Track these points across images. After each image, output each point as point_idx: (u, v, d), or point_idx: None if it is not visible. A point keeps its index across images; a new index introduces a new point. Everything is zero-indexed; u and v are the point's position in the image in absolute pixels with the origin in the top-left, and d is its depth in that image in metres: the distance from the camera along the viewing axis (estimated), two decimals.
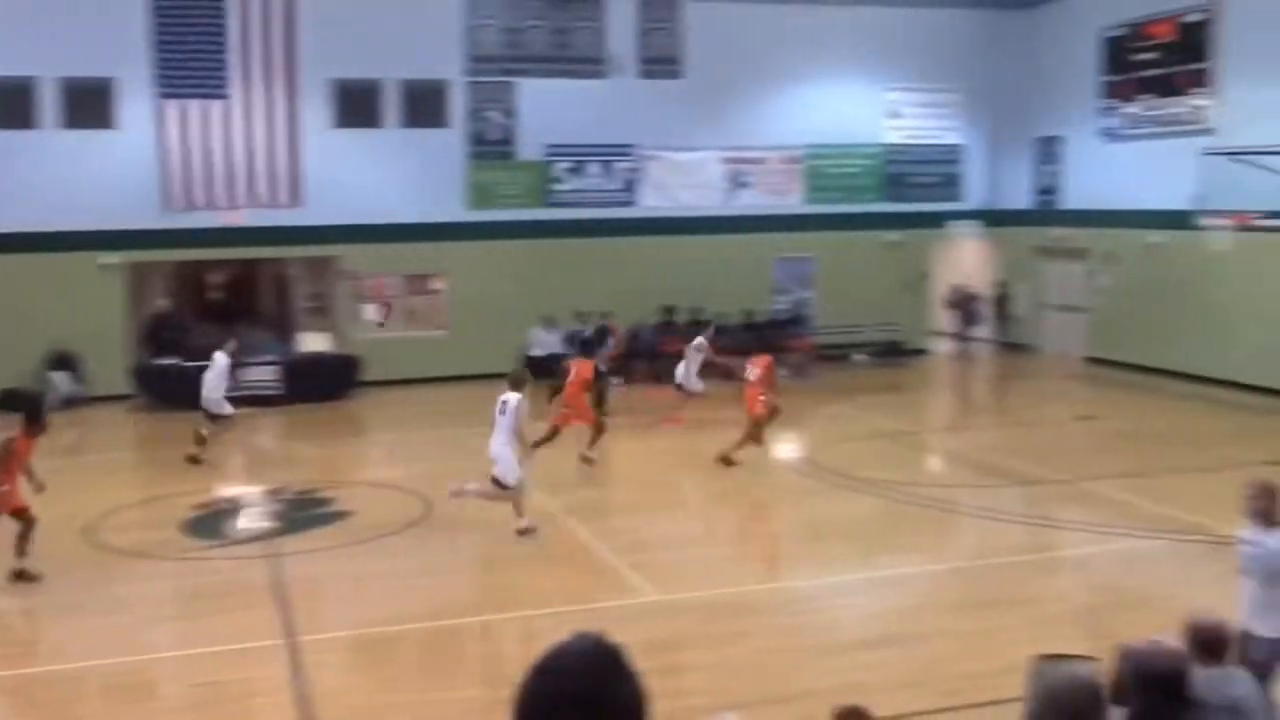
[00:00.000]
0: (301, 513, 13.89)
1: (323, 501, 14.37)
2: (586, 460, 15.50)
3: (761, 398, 15.36)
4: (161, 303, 23.56)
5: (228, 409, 16.58)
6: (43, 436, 11.89)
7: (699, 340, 18.34)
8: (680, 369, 18.32)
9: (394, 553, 12.20)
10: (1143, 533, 12.57)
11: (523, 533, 12.32)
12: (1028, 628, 9.77)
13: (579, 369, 15.99)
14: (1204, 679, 4.33)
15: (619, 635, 8.49)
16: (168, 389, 20.19)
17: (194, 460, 16.09)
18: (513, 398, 12.47)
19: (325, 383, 21.39)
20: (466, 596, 11.36)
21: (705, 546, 12.87)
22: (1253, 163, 17.03)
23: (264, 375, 20.91)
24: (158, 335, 22.26)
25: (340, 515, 13.69)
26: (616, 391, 19.94)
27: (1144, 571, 11.46)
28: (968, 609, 10.40)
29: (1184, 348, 21.71)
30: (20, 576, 11.22)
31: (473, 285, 23.16)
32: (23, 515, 11.27)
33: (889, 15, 24.93)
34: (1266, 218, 18.03)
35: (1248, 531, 7.05)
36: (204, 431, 16.31)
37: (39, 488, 11.47)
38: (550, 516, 13.35)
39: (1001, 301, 26.65)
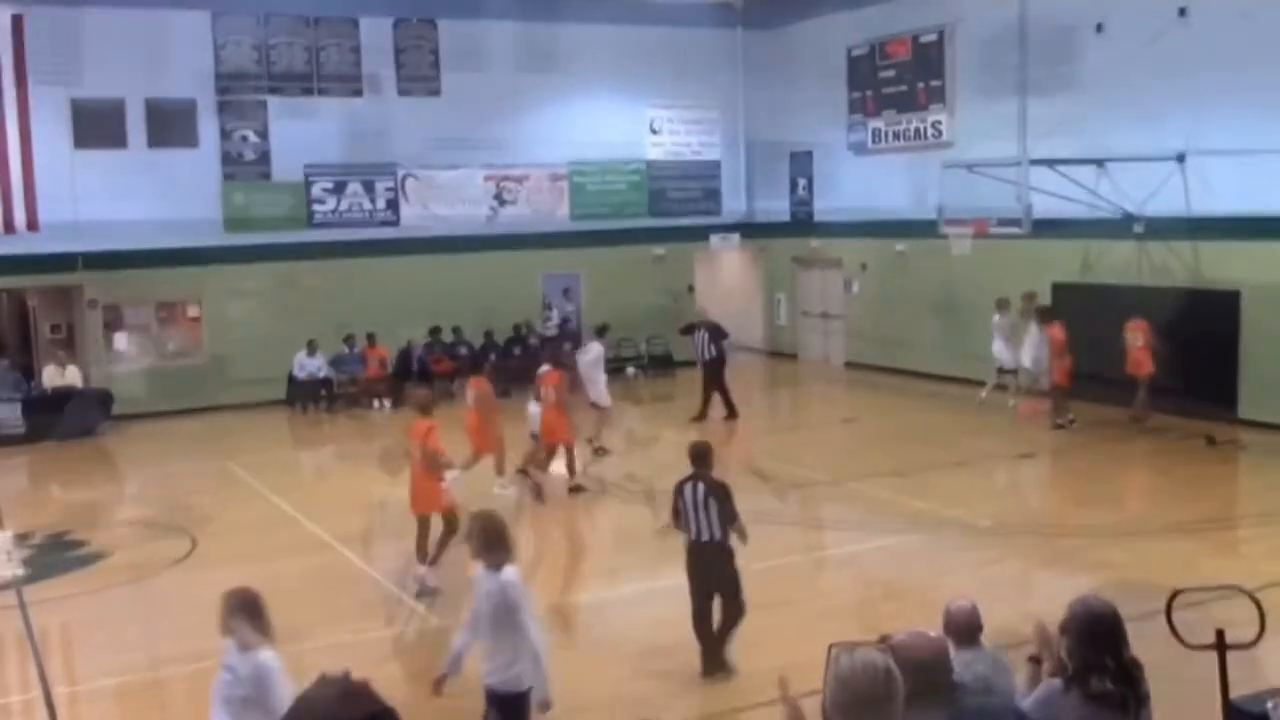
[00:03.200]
0: (52, 557, 13.04)
1: (76, 544, 13.52)
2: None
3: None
4: None
5: None
6: None
7: (596, 347, 17.89)
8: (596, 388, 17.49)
9: (155, 594, 11.60)
10: (905, 527, 13.12)
11: None
12: (804, 625, 10.05)
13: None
14: (960, 661, 4.60)
15: (400, 663, 8.32)
16: None
17: None
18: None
19: (73, 419, 20.15)
20: None
21: None
22: (985, 173, 18.06)
23: (4, 413, 19.63)
24: None
25: (96, 557, 12.91)
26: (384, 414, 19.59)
27: (908, 564, 11.96)
28: (748, 610, 10.62)
29: (932, 350, 22.85)
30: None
31: (232, 311, 22.32)
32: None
33: (646, 34, 25.37)
34: (1000, 225, 19.13)
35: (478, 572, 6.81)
36: None
37: None
38: (323, 544, 12.97)
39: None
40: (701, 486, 8.89)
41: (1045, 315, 18.53)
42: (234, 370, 22.09)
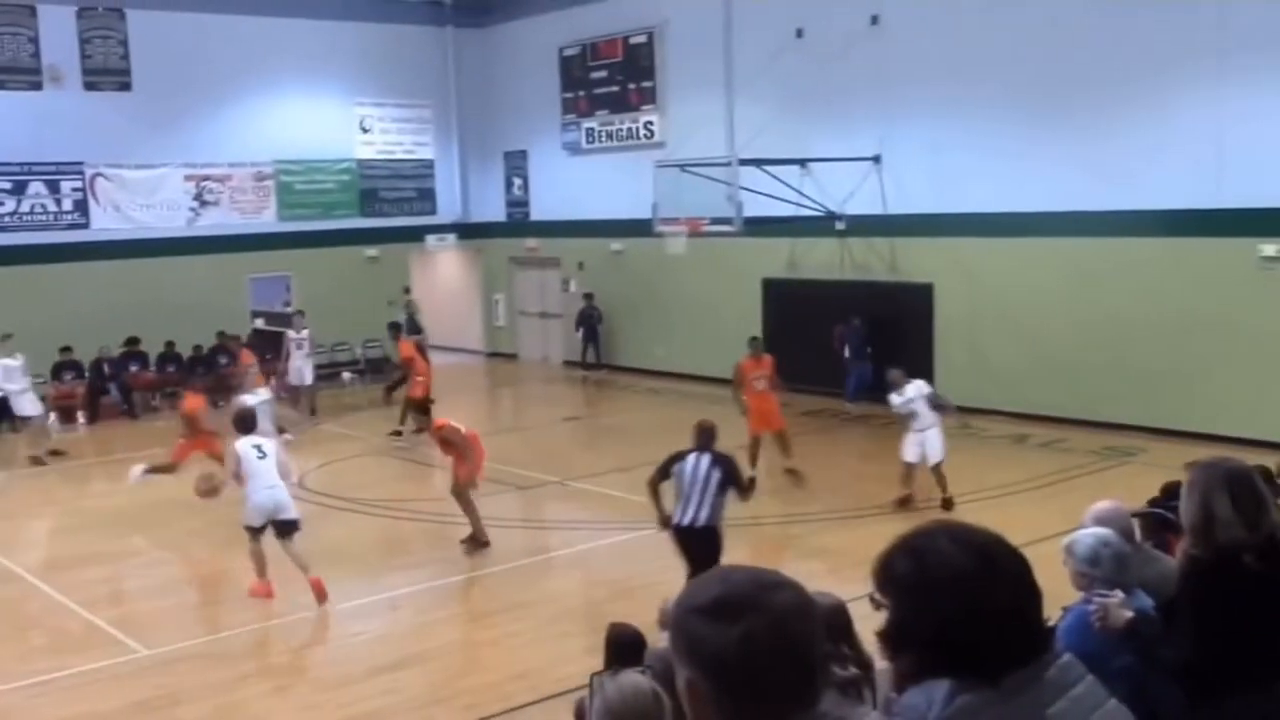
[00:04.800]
0: None
1: None
2: None
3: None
4: None
5: None
6: None
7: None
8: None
9: None
10: (631, 524, 13.21)
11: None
12: (535, 630, 9.97)
13: None
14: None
15: (109, 698, 7.68)
16: None
17: None
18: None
19: None
20: None
21: (192, 590, 12.02)
22: (697, 173, 18.48)
23: None
24: None
25: None
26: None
27: (634, 561, 12.03)
28: (478, 619, 10.45)
29: (651, 346, 23.26)
30: None
31: None
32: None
33: (354, 29, 24.67)
34: (713, 224, 19.62)
35: None
36: None
37: None
38: (9, 576, 11.93)
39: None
40: (705, 462, 9.50)
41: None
42: None
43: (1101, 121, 16.37)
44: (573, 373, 24.64)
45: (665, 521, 9.64)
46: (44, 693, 8.96)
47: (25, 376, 17.99)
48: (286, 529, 10.62)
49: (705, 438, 9.80)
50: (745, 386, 14.66)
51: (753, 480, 13.87)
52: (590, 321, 24.34)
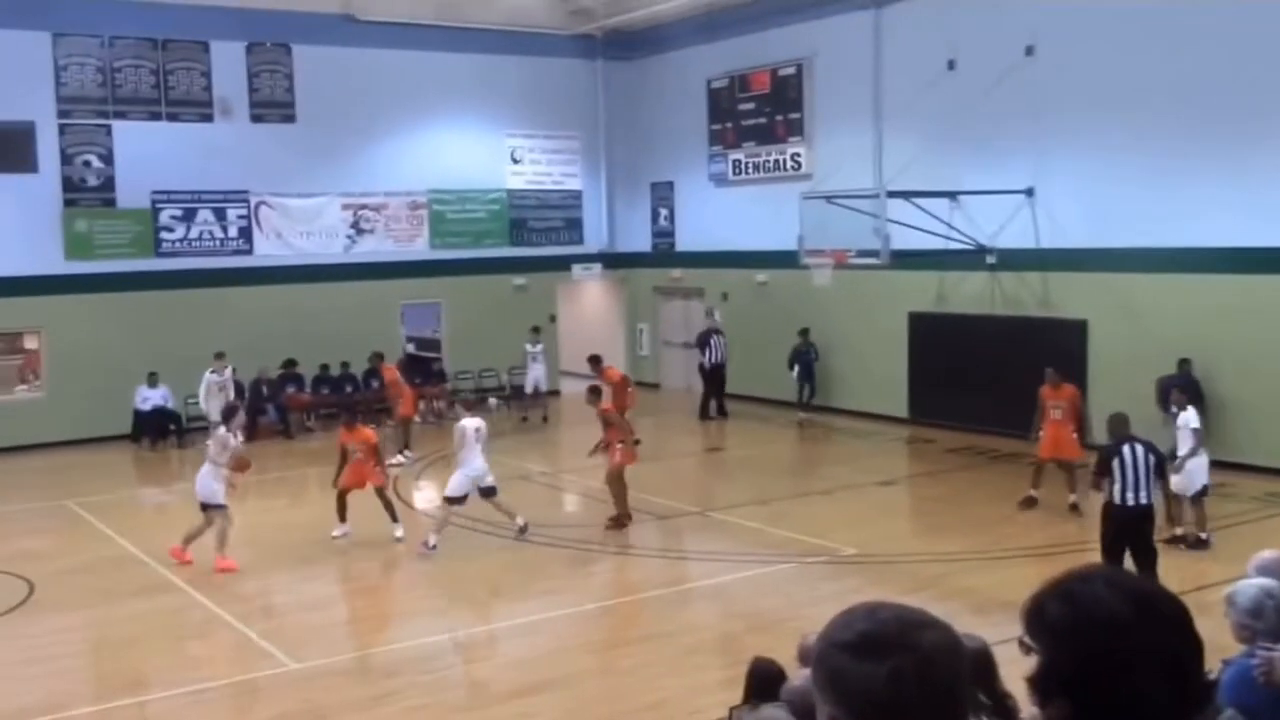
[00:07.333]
0: None
1: None
2: None
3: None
4: None
5: None
6: None
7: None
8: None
9: None
10: (771, 557, 13.13)
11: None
12: (671, 660, 9.95)
13: None
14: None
15: (256, 710, 7.90)
16: None
17: None
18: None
19: None
20: (82, 685, 10.27)
21: (339, 607, 12.32)
22: (844, 205, 18.34)
23: None
24: None
25: None
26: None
27: (773, 594, 11.95)
28: (615, 647, 10.47)
29: (795, 379, 23.06)
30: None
31: (74, 342, 21.33)
32: None
33: (506, 63, 25.21)
34: (859, 256, 19.49)
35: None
36: None
37: None
38: (170, 587, 12.41)
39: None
40: (1140, 448, 10.38)
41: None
42: (76, 403, 21.11)
43: (1266, 154, 15.72)
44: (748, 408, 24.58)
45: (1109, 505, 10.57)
46: (197, 702, 9.28)
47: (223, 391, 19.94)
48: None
49: (1126, 427, 10.73)
50: (1044, 413, 14.75)
51: (1034, 499, 14.44)
52: (806, 359, 22.51)
